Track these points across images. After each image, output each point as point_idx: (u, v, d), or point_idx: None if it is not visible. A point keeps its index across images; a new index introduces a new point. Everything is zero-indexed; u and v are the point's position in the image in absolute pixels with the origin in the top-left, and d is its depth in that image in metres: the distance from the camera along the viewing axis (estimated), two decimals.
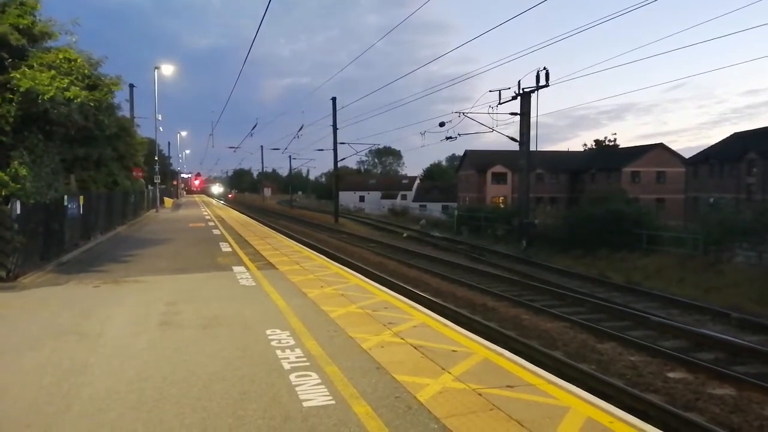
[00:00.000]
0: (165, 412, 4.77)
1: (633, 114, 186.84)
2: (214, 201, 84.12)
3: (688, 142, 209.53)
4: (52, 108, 12.98)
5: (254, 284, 10.96)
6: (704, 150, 52.53)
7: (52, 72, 13.07)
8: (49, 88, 12.50)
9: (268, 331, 7.28)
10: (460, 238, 34.55)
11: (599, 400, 5.13)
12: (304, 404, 4.87)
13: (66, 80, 13.11)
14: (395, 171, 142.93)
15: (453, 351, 6.47)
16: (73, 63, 14.04)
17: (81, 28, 15.59)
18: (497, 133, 29.00)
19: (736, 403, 7.60)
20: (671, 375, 8.76)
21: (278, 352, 6.40)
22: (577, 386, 5.58)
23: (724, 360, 9.78)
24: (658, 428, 4.56)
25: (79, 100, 13.30)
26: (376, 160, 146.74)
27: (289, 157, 72.76)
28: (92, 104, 14.36)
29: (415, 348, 6.57)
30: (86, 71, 14.60)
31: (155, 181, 41.77)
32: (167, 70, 38.85)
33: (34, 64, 13.27)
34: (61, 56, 13.97)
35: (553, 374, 5.92)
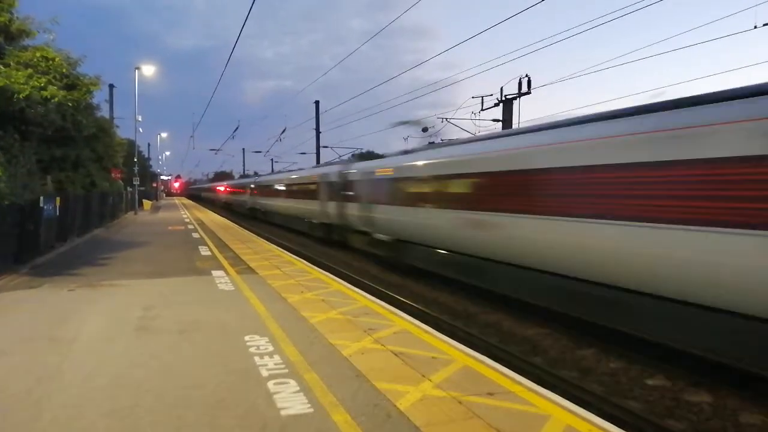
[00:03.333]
0: (139, 419, 4.66)
1: None
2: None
3: None
4: (28, 107, 12.77)
5: (233, 289, 10.83)
6: None
7: (29, 71, 12.87)
8: (25, 86, 12.30)
9: (247, 337, 7.18)
10: None
11: (579, 408, 5.14)
12: (282, 412, 4.80)
13: (43, 79, 12.93)
14: None
15: (433, 358, 6.44)
16: (50, 62, 13.87)
17: (60, 27, 15.42)
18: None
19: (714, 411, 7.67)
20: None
21: (256, 358, 6.31)
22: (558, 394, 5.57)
23: None
24: None
25: (56, 99, 13.12)
26: None
27: (271, 160, 72.01)
28: (70, 104, 14.18)
29: (396, 355, 6.52)
30: (64, 70, 14.43)
31: (134, 182, 41.25)
32: (148, 70, 38.45)
33: (11, 63, 13.05)
34: (38, 55, 13.79)
35: (533, 381, 5.91)
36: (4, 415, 4.78)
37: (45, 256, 15.60)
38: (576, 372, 9.14)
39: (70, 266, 13.96)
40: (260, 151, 75.21)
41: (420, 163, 16.06)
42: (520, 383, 5.69)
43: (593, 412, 5.16)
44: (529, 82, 25.74)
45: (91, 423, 4.61)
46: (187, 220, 34.31)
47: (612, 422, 4.91)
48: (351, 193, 21.94)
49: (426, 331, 7.77)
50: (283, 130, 48.07)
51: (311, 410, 4.85)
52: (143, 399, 5.12)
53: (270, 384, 5.48)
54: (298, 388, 5.36)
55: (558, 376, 8.66)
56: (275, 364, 6.10)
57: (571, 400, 5.43)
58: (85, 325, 7.91)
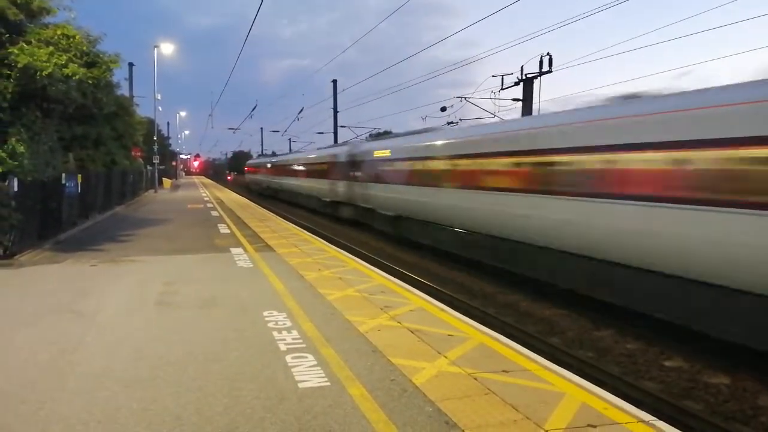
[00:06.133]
0: (160, 390, 4.76)
1: None
2: None
3: None
4: (50, 85, 12.86)
5: (252, 266, 10.94)
6: None
7: (50, 48, 12.95)
8: (47, 64, 12.39)
9: (265, 313, 7.27)
10: None
11: (594, 386, 5.13)
12: (300, 385, 4.87)
13: (64, 57, 13.00)
14: None
15: (449, 335, 6.47)
16: (71, 39, 13.92)
17: (80, 5, 15.45)
18: (499, 118, 28.86)
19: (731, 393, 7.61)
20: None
21: (275, 333, 6.40)
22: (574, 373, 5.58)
23: None
24: (651, 414, 4.56)
25: (77, 77, 13.19)
26: None
27: (289, 139, 71.87)
28: (90, 82, 14.24)
29: (412, 332, 6.56)
30: (84, 48, 14.47)
31: (154, 161, 41.61)
32: (167, 49, 38.63)
33: (32, 40, 13.14)
34: (59, 32, 13.84)
35: (549, 360, 5.92)
36: (31, 384, 4.91)
37: (67, 233, 15.88)
38: (593, 353, 9.11)
39: (92, 242, 14.21)
40: (278, 131, 74.69)
41: (416, 144, 17.97)
42: (535, 361, 5.70)
43: (609, 391, 5.16)
44: (550, 60, 25.23)
45: (113, 393, 4.71)
46: (207, 199, 34.61)
47: (628, 401, 4.90)
48: (357, 173, 23.74)
49: (442, 310, 7.79)
50: (301, 110, 47.97)
51: (328, 383, 4.91)
52: (164, 371, 5.22)
53: (288, 358, 5.55)
54: (315, 362, 5.43)
55: (574, 355, 8.65)
56: (293, 339, 6.18)
57: (587, 380, 5.42)
58: (107, 299, 8.06)
